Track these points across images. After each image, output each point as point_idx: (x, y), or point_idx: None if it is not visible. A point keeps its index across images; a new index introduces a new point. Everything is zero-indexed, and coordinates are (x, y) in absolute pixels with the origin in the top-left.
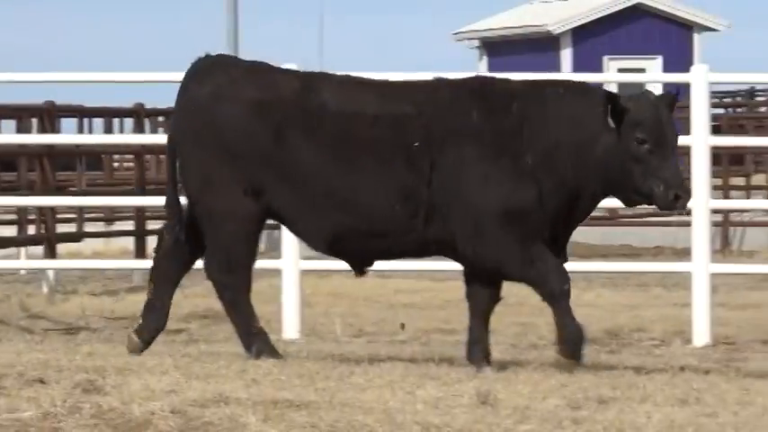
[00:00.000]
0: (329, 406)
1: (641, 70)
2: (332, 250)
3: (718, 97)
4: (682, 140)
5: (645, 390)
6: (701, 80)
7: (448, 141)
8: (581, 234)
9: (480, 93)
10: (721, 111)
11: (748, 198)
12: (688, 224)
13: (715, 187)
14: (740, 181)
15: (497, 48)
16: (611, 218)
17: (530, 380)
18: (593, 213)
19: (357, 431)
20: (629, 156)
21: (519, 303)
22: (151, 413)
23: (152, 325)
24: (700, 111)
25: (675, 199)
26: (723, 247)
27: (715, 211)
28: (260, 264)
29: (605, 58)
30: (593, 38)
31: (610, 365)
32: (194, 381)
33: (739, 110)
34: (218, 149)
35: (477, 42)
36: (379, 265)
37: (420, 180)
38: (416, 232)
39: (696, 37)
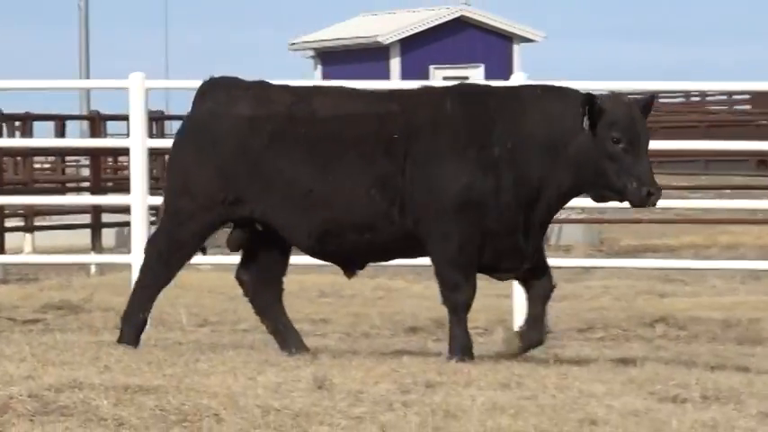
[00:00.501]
0: (176, 390)
1: (465, 78)
2: (321, 250)
3: None
4: None
5: (469, 374)
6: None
7: (421, 132)
8: None
9: (459, 92)
10: None
11: None
12: None
13: None
14: None
15: (331, 57)
16: None
17: (362, 366)
18: None
19: (202, 414)
20: (604, 154)
21: (352, 295)
22: (9, 397)
23: (297, 342)
24: None
25: (648, 195)
26: None
27: None
28: (111, 258)
29: (431, 67)
30: (420, 48)
31: (437, 352)
32: (50, 367)
33: None
34: (210, 162)
35: (311, 52)
36: (220, 259)
37: (396, 170)
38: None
39: (515, 47)
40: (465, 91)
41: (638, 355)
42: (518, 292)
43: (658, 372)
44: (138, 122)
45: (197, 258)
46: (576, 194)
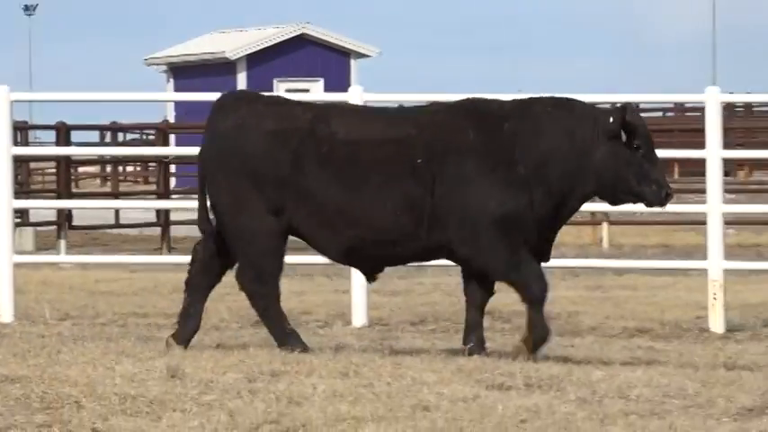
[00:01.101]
0: (40, 380)
1: (306, 91)
2: (347, 260)
3: None
4: None
5: (311, 364)
6: (357, 99)
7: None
8: None
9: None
10: None
11: None
12: None
13: None
14: None
15: (182, 72)
16: None
17: (212, 357)
18: None
19: (64, 402)
20: (628, 161)
21: None
22: None
23: (189, 329)
24: None
25: (666, 197)
26: None
27: None
28: None
29: (275, 81)
30: (265, 63)
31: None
32: None
33: None
34: (244, 174)
35: (164, 67)
36: (79, 258)
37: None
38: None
39: (353, 62)
40: (481, 108)
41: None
42: (357, 289)
43: (485, 361)
44: (3, 132)
45: (59, 257)
46: (593, 196)
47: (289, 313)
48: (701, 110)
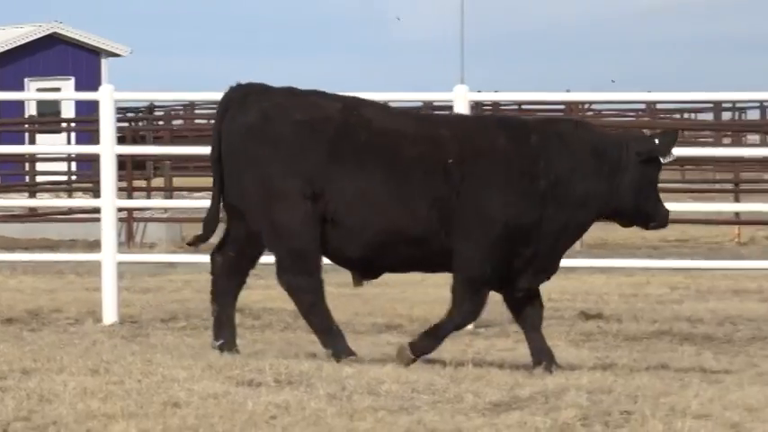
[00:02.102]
0: None
1: (57, 89)
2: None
3: (122, 112)
4: (92, 149)
5: (62, 362)
6: (107, 98)
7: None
8: (5, 229)
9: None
10: (125, 124)
11: (149, 198)
12: (98, 220)
13: (121, 189)
14: (142, 183)
15: None
16: (33, 215)
17: None
18: (17, 211)
19: None
20: (651, 184)
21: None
22: None
23: (230, 337)
24: (107, 124)
25: (667, 218)
26: (128, 239)
27: (121, 209)
28: None
29: (26, 80)
30: (16, 62)
31: (31, 341)
32: None
33: (141, 123)
34: (276, 165)
35: None
36: None
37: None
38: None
39: (103, 61)
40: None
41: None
42: (107, 287)
43: (235, 358)
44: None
45: None
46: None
47: (40, 311)
48: (450, 108)
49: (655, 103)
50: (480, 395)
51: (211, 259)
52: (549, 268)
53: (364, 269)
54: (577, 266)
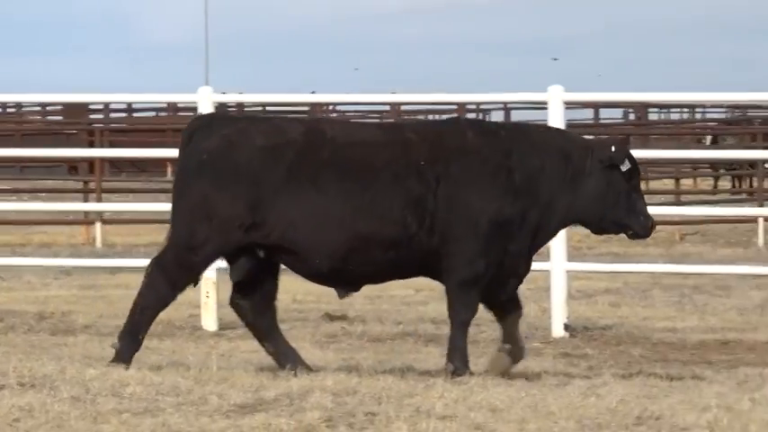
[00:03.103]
0: None
1: None
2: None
3: None
4: None
5: None
6: None
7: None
8: None
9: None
10: None
11: None
12: None
13: None
14: None
15: None
16: None
17: None
18: None
19: None
20: (618, 191)
21: None
22: None
23: (296, 359)
24: None
25: (652, 227)
26: None
27: None
28: None
29: None
30: None
31: None
32: None
33: None
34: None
35: None
36: None
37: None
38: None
39: None
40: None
41: None
42: None
43: None
44: None
45: None
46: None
47: None
48: (194, 110)
49: (399, 104)
50: (225, 397)
51: (234, 307)
52: (523, 271)
53: (344, 282)
54: None
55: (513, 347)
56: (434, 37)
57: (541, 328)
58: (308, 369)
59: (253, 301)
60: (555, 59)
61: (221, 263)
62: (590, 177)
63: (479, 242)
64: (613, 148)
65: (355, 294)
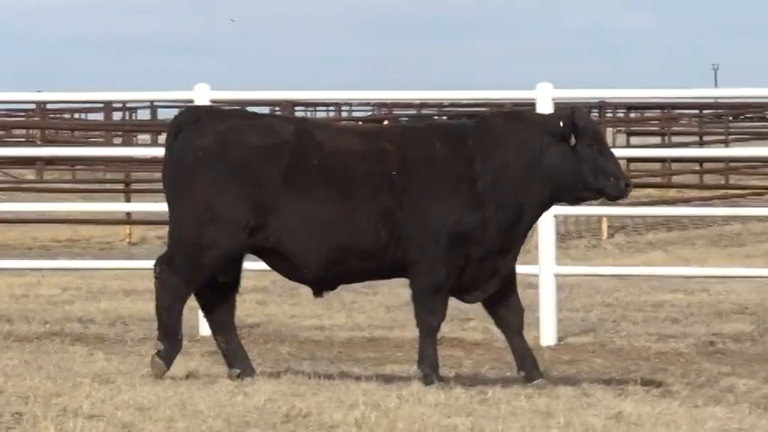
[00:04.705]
0: None
1: None
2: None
3: None
4: None
5: None
6: None
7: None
8: None
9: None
10: None
11: None
12: None
13: None
14: None
15: None
16: None
17: None
18: None
19: None
20: (582, 160)
21: None
22: None
23: (246, 365)
24: None
25: (626, 187)
26: None
27: None
28: None
29: None
30: None
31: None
32: None
33: None
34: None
35: None
36: None
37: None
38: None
39: None
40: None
41: None
42: None
43: None
44: None
45: None
46: (555, 203)
47: None
48: None
49: (45, 103)
50: None
51: (197, 298)
52: (503, 268)
53: (322, 285)
54: None
55: (527, 374)
56: (78, 37)
57: (188, 327)
58: (252, 371)
59: (211, 295)
60: None
61: None
62: (548, 155)
63: (439, 251)
64: (561, 123)
65: (1, 294)
